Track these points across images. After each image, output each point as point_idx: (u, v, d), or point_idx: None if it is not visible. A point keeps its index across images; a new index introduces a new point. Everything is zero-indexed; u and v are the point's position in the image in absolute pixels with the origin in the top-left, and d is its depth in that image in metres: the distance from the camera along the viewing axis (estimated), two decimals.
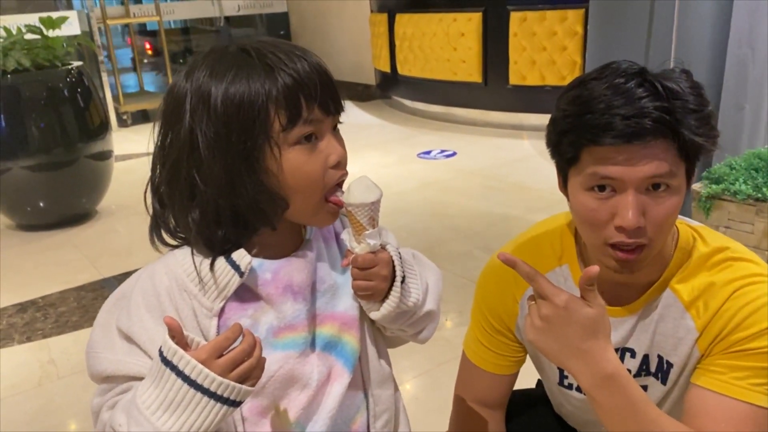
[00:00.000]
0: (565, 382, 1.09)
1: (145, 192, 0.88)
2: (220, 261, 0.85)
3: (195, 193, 0.83)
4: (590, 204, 0.88)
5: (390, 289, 0.89)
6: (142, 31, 9.88)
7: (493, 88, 5.32)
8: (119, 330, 0.85)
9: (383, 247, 0.88)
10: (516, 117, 5.29)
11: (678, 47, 2.35)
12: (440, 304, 0.99)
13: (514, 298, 1.08)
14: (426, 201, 3.83)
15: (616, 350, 0.99)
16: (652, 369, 0.99)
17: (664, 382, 0.98)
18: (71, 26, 5.42)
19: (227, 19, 7.79)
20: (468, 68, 5.38)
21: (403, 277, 0.89)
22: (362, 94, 7.14)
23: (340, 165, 0.87)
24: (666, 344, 0.96)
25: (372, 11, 6.59)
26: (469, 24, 5.26)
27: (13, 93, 3.49)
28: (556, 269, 1.04)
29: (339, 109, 0.87)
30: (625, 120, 0.82)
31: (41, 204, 3.69)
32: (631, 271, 0.90)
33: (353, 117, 6.34)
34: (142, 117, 6.55)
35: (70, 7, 6.87)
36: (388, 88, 6.57)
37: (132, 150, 5.30)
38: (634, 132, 0.82)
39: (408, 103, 6.27)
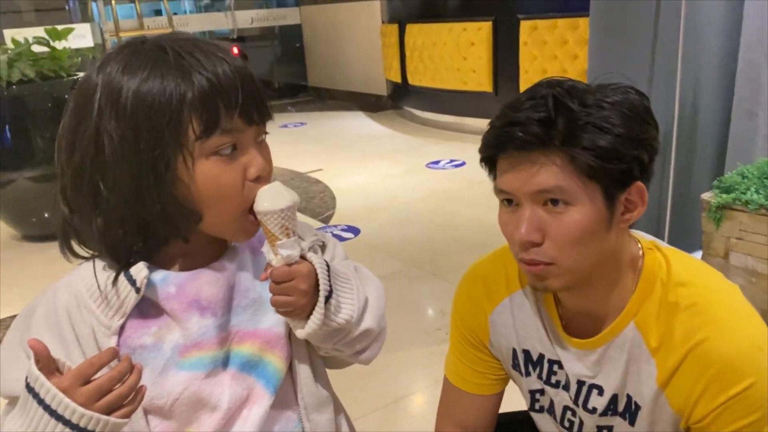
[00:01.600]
0: (536, 406, 1.03)
1: (56, 195, 0.82)
2: (121, 275, 0.79)
3: (98, 200, 0.77)
4: (502, 217, 0.86)
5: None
6: None
7: (504, 98, 5.08)
8: (23, 347, 0.80)
9: (304, 258, 0.81)
10: None
11: (685, 51, 2.28)
12: (383, 321, 0.91)
13: (485, 313, 1.02)
14: (432, 211, 3.77)
15: (582, 384, 0.93)
16: (620, 408, 0.92)
17: (632, 423, 0.91)
18: (84, 39, 5.47)
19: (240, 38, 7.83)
20: (478, 78, 5.32)
21: (330, 293, 0.81)
22: (374, 105, 7.11)
23: (262, 179, 0.80)
24: (635, 385, 0.89)
25: (383, 22, 6.57)
26: (479, 33, 5.21)
27: (18, 104, 3.49)
28: (514, 294, 0.99)
29: (264, 119, 0.81)
30: (497, 129, 0.81)
31: (45, 215, 3.68)
32: (546, 288, 0.86)
33: (363, 127, 6.32)
34: None
35: (87, 20, 6.95)
36: (400, 98, 6.54)
37: None
38: (505, 141, 0.79)
39: (418, 113, 6.22)
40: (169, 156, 0.75)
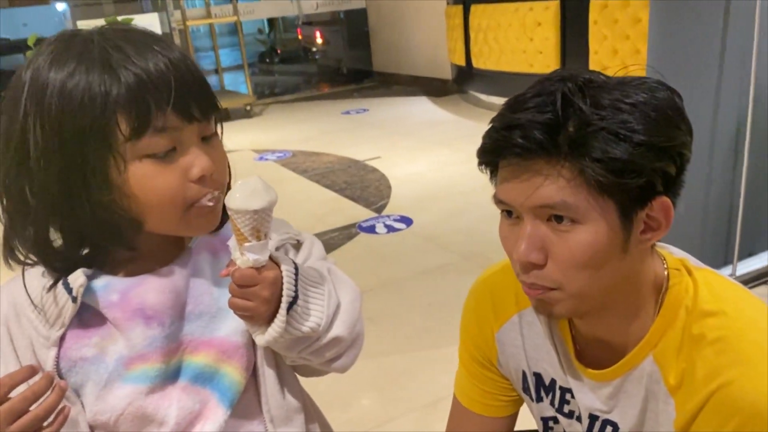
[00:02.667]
0: None
1: None
2: (59, 283, 0.74)
3: (28, 209, 0.72)
4: (502, 230, 0.75)
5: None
6: (232, 31, 10.14)
7: None
8: None
9: (273, 260, 0.73)
10: None
11: (762, 28, 2.04)
12: (358, 327, 0.83)
13: (492, 330, 0.92)
14: (490, 202, 3.61)
15: (595, 419, 0.81)
16: None
17: None
18: (152, 27, 5.59)
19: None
20: (545, 59, 5.09)
21: (295, 299, 0.74)
22: (438, 90, 6.97)
23: (205, 180, 0.73)
24: (653, 425, 0.76)
25: (448, 3, 6.40)
26: (545, 13, 4.97)
27: None
28: (524, 311, 0.88)
29: (208, 113, 0.73)
30: (496, 132, 0.69)
31: None
32: (550, 315, 0.74)
33: (426, 113, 6.19)
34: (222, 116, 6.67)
35: (157, 10, 7.11)
36: (464, 82, 6.37)
37: None
38: (503, 146, 0.68)
39: (483, 97, 6.04)
40: (97, 160, 0.69)
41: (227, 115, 6.64)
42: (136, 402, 0.76)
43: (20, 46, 8.55)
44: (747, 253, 2.39)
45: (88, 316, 0.77)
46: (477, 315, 0.94)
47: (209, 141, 0.76)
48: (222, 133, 0.79)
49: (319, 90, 8.45)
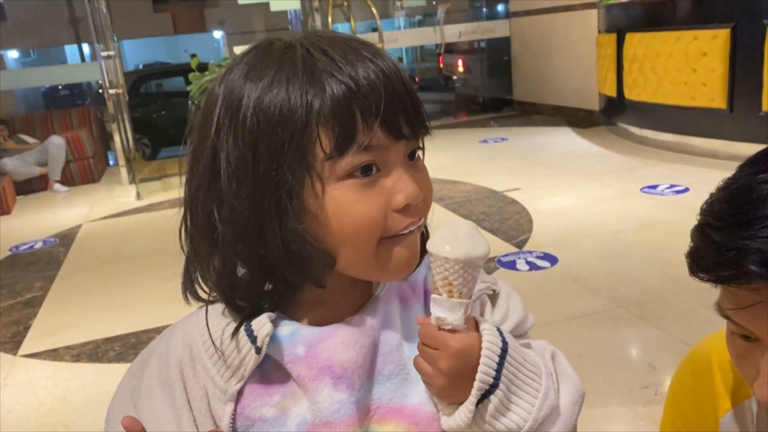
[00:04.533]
0: None
1: (180, 231, 0.69)
2: (241, 328, 0.64)
3: (215, 236, 0.63)
4: (736, 348, 0.65)
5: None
6: None
7: (741, 116, 4.53)
8: (133, 399, 0.69)
9: (479, 330, 0.62)
10: None
11: None
12: (573, 429, 0.67)
13: (716, 414, 0.75)
14: (646, 244, 3.31)
15: None
16: None
17: None
18: None
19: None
20: (710, 92, 4.66)
21: (494, 386, 0.61)
22: (583, 121, 6.65)
23: (410, 209, 0.62)
24: None
25: (599, 32, 6.11)
26: (713, 42, 4.56)
27: None
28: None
29: (418, 132, 0.62)
30: (720, 252, 0.57)
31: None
32: None
33: (570, 144, 5.91)
34: None
35: None
36: (613, 113, 6.02)
37: None
38: (736, 274, 0.56)
39: (635, 130, 5.65)
40: (293, 180, 0.60)
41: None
42: None
43: (180, 70, 9.24)
44: None
45: (268, 367, 0.67)
46: (696, 392, 0.79)
47: (414, 163, 0.65)
48: (424, 155, 0.67)
49: (456, 118, 8.38)
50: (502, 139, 6.38)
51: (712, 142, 4.80)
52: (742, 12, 4.42)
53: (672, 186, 4.16)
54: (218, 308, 0.68)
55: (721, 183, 0.63)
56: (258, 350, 0.63)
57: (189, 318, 0.71)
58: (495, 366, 0.61)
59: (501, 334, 0.64)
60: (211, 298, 0.68)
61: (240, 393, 0.65)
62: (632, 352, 2.41)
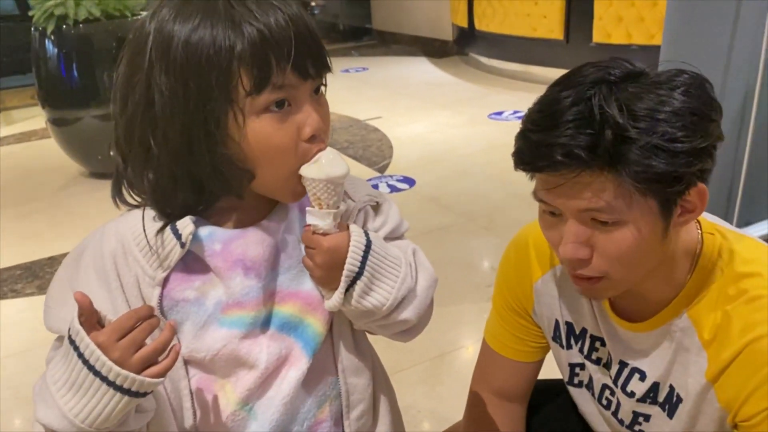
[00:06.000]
0: (575, 380, 0.98)
1: (110, 145, 0.80)
2: (167, 228, 0.78)
3: (149, 155, 0.75)
4: (543, 222, 0.80)
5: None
6: None
7: (576, 46, 4.99)
8: (71, 287, 0.80)
9: (348, 230, 0.80)
10: None
11: None
12: (427, 311, 0.87)
13: (531, 281, 0.97)
14: (491, 164, 3.67)
15: (624, 365, 0.87)
16: (660, 398, 0.86)
17: (670, 416, 0.85)
18: None
19: None
20: (549, 24, 5.07)
21: (358, 275, 0.79)
22: (438, 51, 6.92)
23: (316, 138, 0.76)
24: (680, 377, 0.82)
25: None
26: None
27: (84, 42, 3.55)
28: (559, 266, 0.93)
29: (321, 72, 0.76)
30: (535, 146, 0.72)
31: (111, 153, 3.77)
32: (596, 298, 0.80)
33: (426, 74, 6.16)
34: None
35: None
36: (465, 44, 6.32)
37: None
38: (542, 161, 0.71)
39: (485, 60, 6.01)
40: (219, 113, 0.72)
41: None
42: (231, 345, 0.81)
43: None
44: (744, 222, 2.46)
45: (190, 260, 0.80)
46: (517, 266, 0.99)
47: (318, 98, 0.78)
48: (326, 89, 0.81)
49: None
50: (364, 69, 6.52)
51: (551, 71, 5.22)
52: None
53: (515, 112, 4.56)
54: (147, 213, 0.80)
55: (537, 99, 0.77)
56: (182, 245, 0.77)
57: (119, 219, 0.83)
58: (360, 258, 0.79)
59: (366, 234, 0.81)
60: (140, 203, 0.80)
61: (166, 280, 0.80)
62: (478, 257, 2.75)
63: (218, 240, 0.80)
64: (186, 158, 0.74)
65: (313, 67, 0.74)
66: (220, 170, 0.75)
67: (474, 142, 4.08)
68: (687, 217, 0.76)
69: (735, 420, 0.78)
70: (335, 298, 0.80)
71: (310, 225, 0.79)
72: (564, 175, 0.71)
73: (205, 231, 0.80)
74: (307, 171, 0.76)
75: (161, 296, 0.79)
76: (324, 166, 0.75)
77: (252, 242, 0.80)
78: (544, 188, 0.75)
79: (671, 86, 0.70)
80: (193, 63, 0.70)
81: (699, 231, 0.82)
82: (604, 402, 0.94)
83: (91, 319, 0.70)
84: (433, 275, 0.89)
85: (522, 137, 0.75)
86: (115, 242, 0.80)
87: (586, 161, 0.69)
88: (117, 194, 0.81)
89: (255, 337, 0.82)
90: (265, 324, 0.83)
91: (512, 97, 5.01)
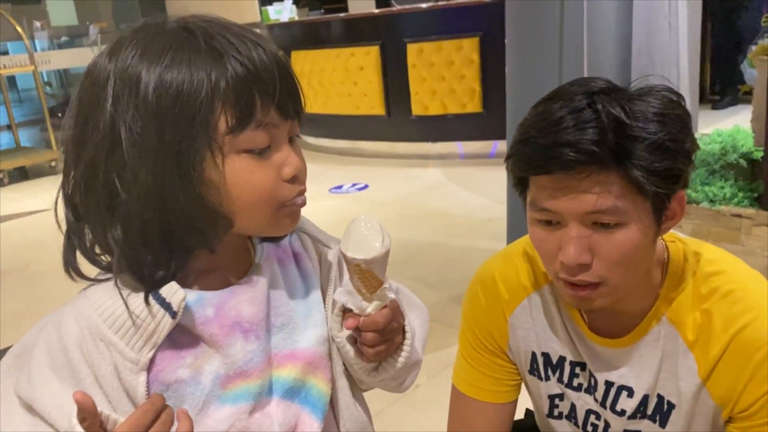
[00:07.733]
0: (555, 412, 0.98)
1: (56, 201, 0.69)
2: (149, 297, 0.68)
3: (116, 203, 0.66)
4: (538, 234, 0.80)
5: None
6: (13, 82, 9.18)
7: (397, 120, 5.31)
8: (19, 398, 0.66)
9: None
10: (422, 147, 5.30)
11: (590, 59, 2.38)
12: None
13: (504, 314, 0.96)
14: (340, 236, 3.68)
15: (610, 385, 0.89)
16: (649, 411, 0.88)
17: (663, 425, 0.87)
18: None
19: None
20: (370, 101, 5.36)
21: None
22: None
23: (297, 179, 0.72)
24: (669, 384, 0.86)
25: None
26: (367, 58, 5.25)
27: None
28: (532, 295, 0.95)
29: (299, 113, 0.73)
30: (546, 150, 0.73)
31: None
32: (590, 307, 0.82)
33: None
34: (20, 175, 6.03)
35: None
36: None
37: (13, 210, 4.84)
38: (551, 161, 0.73)
39: (311, 140, 6.15)
40: (197, 151, 0.65)
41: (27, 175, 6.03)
42: (239, 423, 0.70)
43: None
44: None
45: (176, 334, 0.69)
46: (487, 303, 0.97)
47: (293, 142, 0.74)
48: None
49: None
50: None
51: (377, 144, 5.51)
52: (387, 31, 5.18)
53: (354, 184, 4.68)
54: (103, 288, 0.69)
55: (532, 111, 0.79)
56: (174, 315, 0.66)
57: (74, 304, 0.70)
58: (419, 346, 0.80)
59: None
60: (98, 276, 0.68)
61: (151, 362, 0.68)
62: None
63: (210, 304, 0.71)
64: (158, 204, 0.66)
65: (293, 108, 0.71)
66: (194, 217, 0.67)
67: (321, 216, 4.04)
68: (668, 224, 0.81)
69: (732, 413, 0.82)
70: (403, 356, 0.78)
71: (363, 311, 0.72)
72: (574, 175, 0.72)
73: (192, 296, 0.70)
74: (356, 251, 0.70)
75: (148, 382, 0.67)
76: (378, 234, 0.71)
77: (245, 301, 0.72)
78: (548, 193, 0.76)
79: (656, 96, 0.76)
80: (168, 99, 0.64)
81: (662, 240, 0.87)
82: (590, 428, 0.94)
83: (94, 424, 0.58)
84: (424, 309, 0.88)
85: (527, 143, 0.76)
86: (79, 330, 0.67)
87: (597, 155, 0.71)
88: (72, 266, 0.69)
89: (264, 409, 0.73)
90: (269, 392, 0.74)
91: (346, 171, 5.15)
